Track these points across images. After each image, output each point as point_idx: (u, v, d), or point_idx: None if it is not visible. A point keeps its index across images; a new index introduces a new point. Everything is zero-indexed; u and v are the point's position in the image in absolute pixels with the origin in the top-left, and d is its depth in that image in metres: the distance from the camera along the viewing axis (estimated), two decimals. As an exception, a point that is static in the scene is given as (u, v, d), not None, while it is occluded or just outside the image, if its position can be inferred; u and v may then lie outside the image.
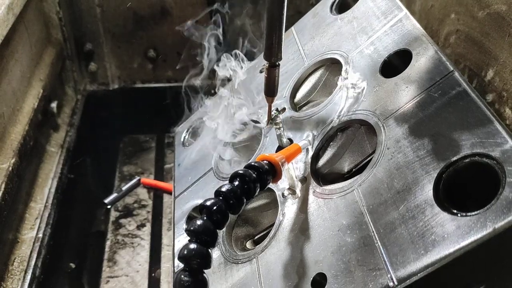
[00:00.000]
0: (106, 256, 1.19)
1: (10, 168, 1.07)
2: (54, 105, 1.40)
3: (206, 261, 0.56)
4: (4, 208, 1.03)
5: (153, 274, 1.16)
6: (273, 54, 0.76)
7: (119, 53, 1.65)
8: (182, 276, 0.55)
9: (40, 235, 1.15)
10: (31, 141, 1.21)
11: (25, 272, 1.07)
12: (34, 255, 1.11)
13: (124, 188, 1.34)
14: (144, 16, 1.58)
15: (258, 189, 0.63)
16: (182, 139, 1.08)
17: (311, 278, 0.61)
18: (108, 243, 1.22)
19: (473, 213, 0.51)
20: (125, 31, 1.60)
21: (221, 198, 0.60)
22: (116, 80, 1.71)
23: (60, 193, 1.28)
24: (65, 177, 1.34)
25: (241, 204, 0.61)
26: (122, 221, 1.28)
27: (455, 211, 0.52)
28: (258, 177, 0.63)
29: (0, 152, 1.08)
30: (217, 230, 0.59)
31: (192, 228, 0.57)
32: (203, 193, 0.90)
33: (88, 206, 1.33)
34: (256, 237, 0.79)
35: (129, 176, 1.41)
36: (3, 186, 1.03)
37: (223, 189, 0.60)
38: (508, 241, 0.49)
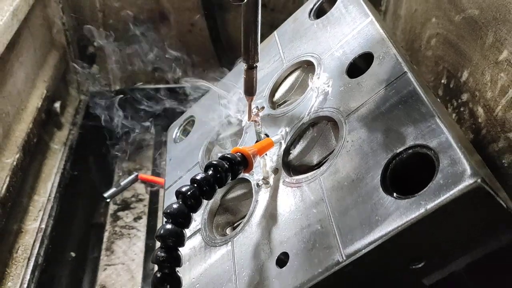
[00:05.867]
0: (104, 246, 1.27)
1: (15, 163, 1.16)
2: (57, 105, 1.49)
3: (180, 240, 0.64)
4: (9, 200, 1.11)
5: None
6: (250, 57, 0.83)
7: (120, 56, 1.73)
8: (159, 252, 0.63)
9: (43, 226, 1.23)
10: (34, 138, 1.29)
11: (28, 259, 1.15)
12: (37, 245, 1.18)
13: (122, 183, 1.41)
14: (143, 21, 1.66)
15: (230, 178, 0.71)
16: (173, 136, 1.16)
17: (276, 257, 0.68)
18: (106, 234, 1.30)
19: (411, 196, 0.58)
20: (125, 34, 1.68)
21: (195, 185, 0.67)
22: (118, 82, 1.79)
23: (62, 187, 1.36)
24: (67, 173, 1.42)
25: (213, 191, 0.69)
26: (120, 213, 1.36)
27: (396, 194, 0.59)
28: (230, 167, 0.70)
29: (5, 148, 1.16)
30: (191, 213, 0.66)
31: (168, 211, 0.65)
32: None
33: (89, 199, 1.41)
34: (235, 224, 0.86)
35: (128, 172, 1.49)
36: (7, 179, 1.11)
37: (198, 177, 0.68)
38: (439, 220, 0.56)
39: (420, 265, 0.61)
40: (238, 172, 0.72)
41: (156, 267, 0.63)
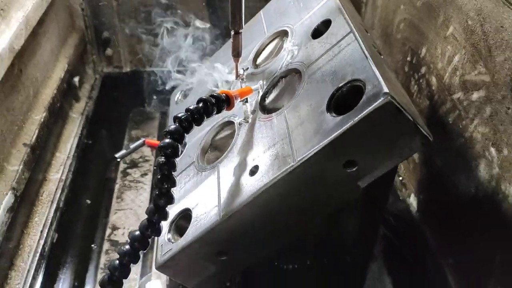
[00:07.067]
0: (115, 195, 1.47)
1: (42, 120, 1.37)
2: (76, 79, 1.70)
3: (176, 151, 0.84)
4: (37, 148, 1.32)
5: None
6: (236, 24, 1.04)
7: (131, 41, 1.96)
8: (159, 159, 0.83)
9: (63, 177, 1.44)
10: (58, 103, 1.51)
11: (52, 202, 1.36)
12: (59, 191, 1.39)
13: (131, 146, 1.63)
14: (152, 9, 1.88)
15: (215, 112, 0.91)
16: (175, 99, 1.37)
17: (249, 170, 0.89)
18: (117, 186, 1.51)
19: (345, 114, 0.78)
20: (136, 21, 1.90)
21: (188, 113, 0.88)
22: (129, 64, 2.01)
23: (80, 149, 1.57)
24: (84, 137, 1.63)
25: (202, 119, 0.89)
26: (129, 170, 1.57)
27: (335, 114, 0.80)
28: (216, 103, 0.91)
29: (34, 107, 1.38)
30: (185, 134, 0.87)
31: (167, 130, 0.86)
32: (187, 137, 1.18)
33: (102, 159, 1.63)
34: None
35: (136, 138, 1.70)
36: (36, 131, 1.33)
37: (191, 107, 0.89)
38: (364, 130, 0.76)
39: (354, 169, 0.81)
40: (222, 108, 0.92)
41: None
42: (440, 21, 1.28)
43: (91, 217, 1.42)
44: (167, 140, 0.84)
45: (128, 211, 1.42)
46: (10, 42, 1.16)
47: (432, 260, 1.34)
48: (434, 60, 1.31)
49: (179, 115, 0.87)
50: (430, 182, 1.40)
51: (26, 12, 1.27)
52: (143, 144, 1.65)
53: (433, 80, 1.32)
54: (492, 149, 1.04)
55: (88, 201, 1.47)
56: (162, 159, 0.83)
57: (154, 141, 1.66)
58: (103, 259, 1.30)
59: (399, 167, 1.57)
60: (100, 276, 1.23)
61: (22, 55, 1.28)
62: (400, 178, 1.56)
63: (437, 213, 1.38)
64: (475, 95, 1.11)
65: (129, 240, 0.84)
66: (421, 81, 1.39)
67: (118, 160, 1.60)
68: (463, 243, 1.23)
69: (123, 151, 1.62)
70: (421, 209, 1.45)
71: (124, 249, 0.84)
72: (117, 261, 0.84)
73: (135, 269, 1.26)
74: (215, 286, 1.02)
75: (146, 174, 1.56)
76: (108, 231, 1.37)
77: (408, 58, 1.49)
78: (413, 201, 1.48)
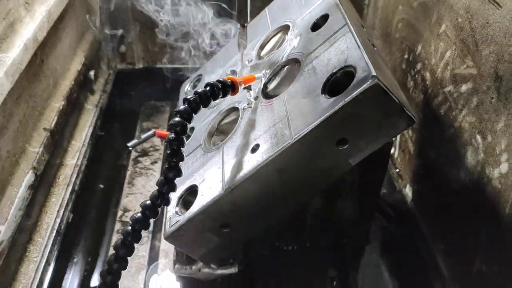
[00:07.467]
0: (126, 180, 1.57)
1: (60, 108, 1.47)
2: (92, 73, 1.80)
3: (184, 129, 0.93)
4: (56, 134, 1.42)
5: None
6: (242, 18, 1.14)
7: (144, 39, 2.05)
8: (170, 135, 0.92)
9: (79, 163, 1.53)
10: (74, 94, 1.60)
11: (68, 185, 1.45)
12: (74, 175, 1.49)
13: (142, 136, 1.72)
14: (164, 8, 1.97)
15: (221, 95, 1.00)
16: (185, 90, 1.46)
17: (251, 147, 0.97)
18: (128, 172, 1.60)
19: (337, 96, 0.87)
20: (149, 20, 2.00)
21: (197, 95, 0.97)
22: (141, 61, 2.11)
23: (94, 137, 1.67)
24: (98, 128, 1.73)
25: (209, 101, 0.98)
26: (140, 158, 1.66)
27: (328, 96, 0.88)
28: (222, 88, 1.00)
29: (54, 95, 1.47)
30: (193, 114, 0.95)
31: (177, 110, 0.94)
32: (194, 123, 1.27)
33: (115, 148, 1.72)
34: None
35: (147, 129, 1.80)
36: (55, 118, 1.42)
37: (199, 91, 0.98)
38: (354, 109, 0.84)
39: (345, 147, 0.89)
40: (227, 92, 1.01)
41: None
42: (433, 20, 1.36)
43: (104, 200, 1.51)
44: (177, 119, 0.93)
45: (139, 195, 1.51)
46: (34, 33, 1.26)
47: (425, 246, 1.42)
48: (428, 57, 1.40)
49: (188, 97, 0.96)
50: (424, 173, 1.48)
51: (49, 6, 1.37)
52: (153, 135, 1.73)
53: (427, 75, 1.40)
54: (478, 137, 1.12)
55: (101, 186, 1.56)
56: (172, 135, 0.92)
57: (164, 132, 1.75)
58: (115, 238, 1.39)
59: (395, 159, 1.65)
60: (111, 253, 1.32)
61: (44, 47, 1.38)
62: (397, 170, 1.64)
63: (430, 202, 1.46)
64: (463, 87, 1.19)
65: (141, 209, 0.92)
66: (416, 76, 1.48)
67: (130, 148, 1.69)
68: (453, 228, 1.31)
69: (134, 141, 1.70)
70: (416, 198, 1.52)
71: (136, 216, 0.93)
72: (130, 227, 0.92)
73: (144, 247, 1.35)
74: (218, 259, 1.11)
75: (156, 162, 1.65)
76: (119, 213, 1.46)
77: (406, 56, 1.57)
78: (408, 191, 1.56)
